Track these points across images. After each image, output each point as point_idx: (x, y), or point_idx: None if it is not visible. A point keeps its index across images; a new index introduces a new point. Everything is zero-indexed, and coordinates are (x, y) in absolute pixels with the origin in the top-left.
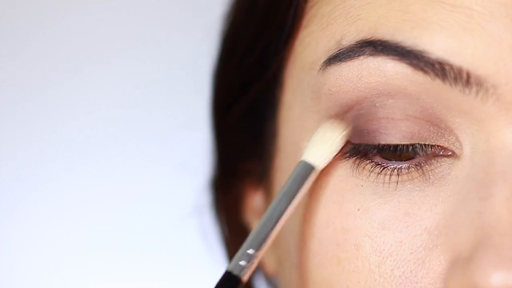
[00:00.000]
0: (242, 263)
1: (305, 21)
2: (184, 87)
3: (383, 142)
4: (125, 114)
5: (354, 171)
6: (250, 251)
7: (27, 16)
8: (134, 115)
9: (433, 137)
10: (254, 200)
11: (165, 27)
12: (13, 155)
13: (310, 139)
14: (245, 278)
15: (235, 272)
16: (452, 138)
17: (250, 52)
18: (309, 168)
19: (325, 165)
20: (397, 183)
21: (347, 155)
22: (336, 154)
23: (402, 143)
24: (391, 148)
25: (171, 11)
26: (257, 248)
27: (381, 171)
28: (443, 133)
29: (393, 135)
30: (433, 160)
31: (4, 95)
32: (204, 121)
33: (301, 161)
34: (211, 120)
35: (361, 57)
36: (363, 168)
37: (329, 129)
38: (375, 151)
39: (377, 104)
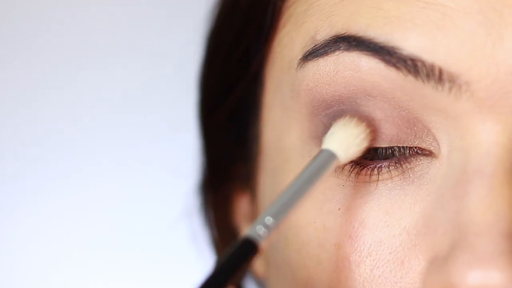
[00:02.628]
0: (261, 232)
1: (282, 22)
2: (175, 90)
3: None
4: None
5: (335, 171)
6: (268, 221)
7: (26, 16)
8: (126, 118)
9: (410, 140)
10: (242, 204)
11: (157, 30)
12: (13, 155)
13: (331, 131)
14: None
15: (255, 239)
16: (429, 139)
17: (233, 51)
18: (331, 157)
19: (347, 159)
20: (377, 182)
21: None
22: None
23: (382, 146)
24: (370, 152)
25: (162, 14)
26: (276, 217)
27: (361, 170)
28: (420, 134)
29: (373, 138)
30: (412, 158)
31: (4, 95)
32: (196, 124)
33: (324, 150)
34: (198, 122)
35: (337, 52)
36: (343, 168)
37: (348, 125)
38: None
39: (357, 101)
